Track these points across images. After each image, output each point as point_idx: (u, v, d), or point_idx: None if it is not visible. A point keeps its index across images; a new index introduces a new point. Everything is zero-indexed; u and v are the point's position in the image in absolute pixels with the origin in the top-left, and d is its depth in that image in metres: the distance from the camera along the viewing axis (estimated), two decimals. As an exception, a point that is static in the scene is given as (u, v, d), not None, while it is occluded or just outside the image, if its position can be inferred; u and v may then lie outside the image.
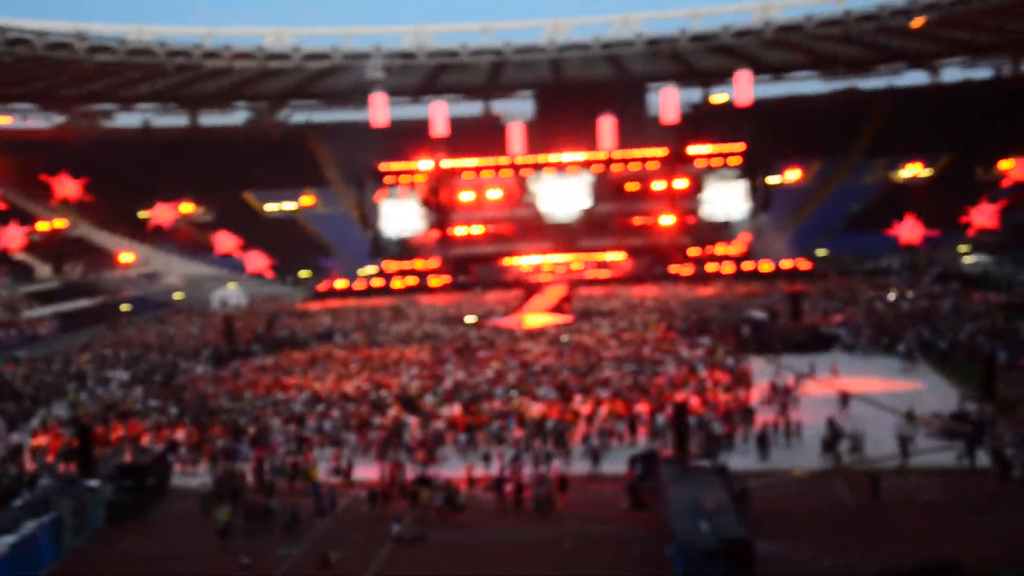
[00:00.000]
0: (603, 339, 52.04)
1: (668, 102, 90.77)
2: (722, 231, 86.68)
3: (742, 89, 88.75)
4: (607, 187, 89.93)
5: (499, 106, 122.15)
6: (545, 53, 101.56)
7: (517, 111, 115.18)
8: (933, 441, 31.40)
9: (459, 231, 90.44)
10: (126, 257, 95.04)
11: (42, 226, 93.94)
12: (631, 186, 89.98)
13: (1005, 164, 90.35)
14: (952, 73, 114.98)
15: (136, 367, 52.15)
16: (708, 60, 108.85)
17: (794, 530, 25.10)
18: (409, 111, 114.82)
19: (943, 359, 45.30)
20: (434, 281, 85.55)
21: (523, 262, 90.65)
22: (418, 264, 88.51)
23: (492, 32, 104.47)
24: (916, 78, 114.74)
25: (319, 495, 28.93)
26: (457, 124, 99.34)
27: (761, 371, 43.47)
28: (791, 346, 48.91)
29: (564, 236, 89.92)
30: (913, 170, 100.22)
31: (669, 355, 46.29)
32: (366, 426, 35.60)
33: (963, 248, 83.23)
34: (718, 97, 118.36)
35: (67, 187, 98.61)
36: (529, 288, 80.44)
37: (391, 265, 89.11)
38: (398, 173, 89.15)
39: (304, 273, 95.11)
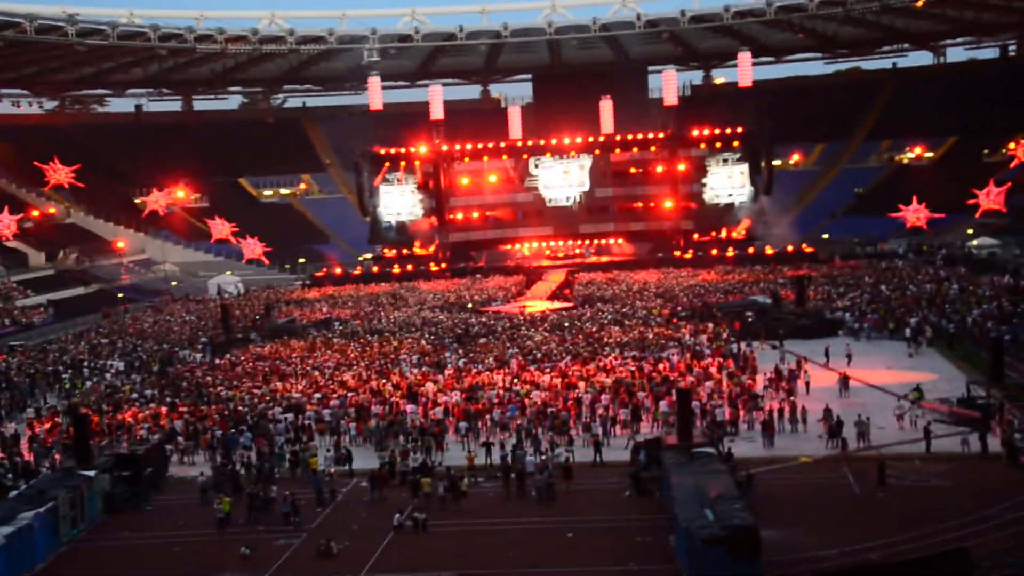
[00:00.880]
0: (605, 325, 51.91)
1: (668, 84, 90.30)
2: (724, 215, 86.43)
3: (743, 71, 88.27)
4: (607, 171, 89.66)
5: (497, 89, 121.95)
6: (543, 35, 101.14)
7: (516, 94, 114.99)
8: (941, 428, 31.38)
9: (458, 216, 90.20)
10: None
11: (35, 213, 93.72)
12: (632, 170, 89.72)
13: (1012, 145, 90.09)
14: (957, 53, 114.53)
15: (132, 356, 52.11)
16: (709, 41, 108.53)
17: (800, 517, 25.11)
18: (406, 95, 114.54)
19: (950, 344, 45.27)
20: (433, 267, 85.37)
21: (523, 247, 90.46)
22: (417, 250, 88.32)
23: (489, 14, 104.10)
24: (920, 58, 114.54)
25: (319, 485, 28.92)
26: (455, 108, 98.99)
27: (766, 356, 43.42)
28: (795, 331, 48.86)
29: (564, 221, 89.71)
30: (918, 152, 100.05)
31: (672, 341, 46.22)
32: (366, 414, 35.59)
33: (969, 231, 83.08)
34: (719, 79, 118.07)
35: (59, 173, 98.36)
36: (530, 274, 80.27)
37: (389, 251, 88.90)
38: (395, 158, 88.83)
39: (301, 260, 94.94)
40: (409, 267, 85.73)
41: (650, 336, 47.59)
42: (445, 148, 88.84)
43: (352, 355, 47.43)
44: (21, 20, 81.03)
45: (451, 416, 34.86)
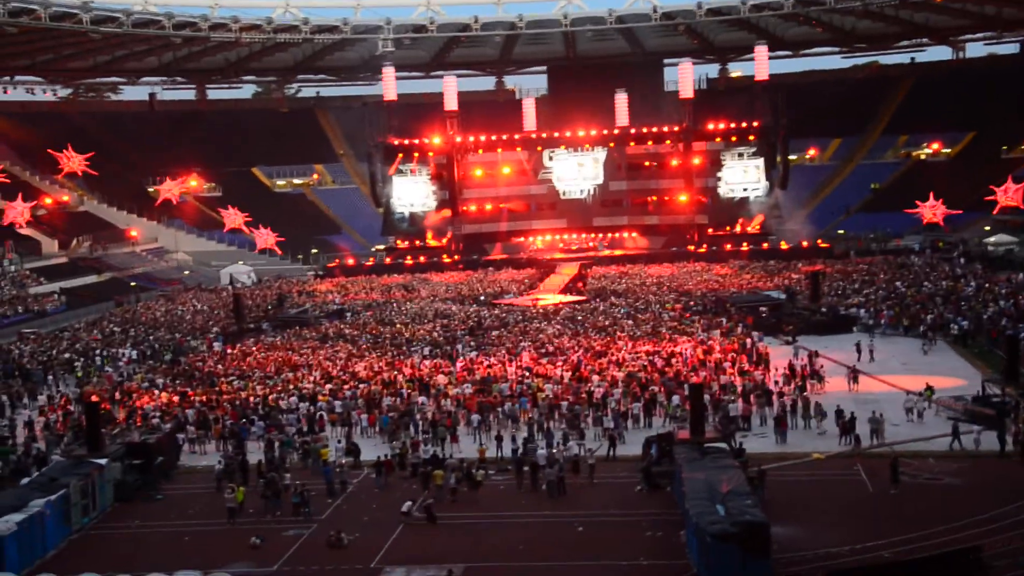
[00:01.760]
0: (618, 319, 51.90)
1: (684, 77, 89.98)
2: (739, 209, 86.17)
3: (760, 64, 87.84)
4: (622, 164, 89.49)
5: (512, 81, 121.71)
6: (559, 27, 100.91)
7: (530, 86, 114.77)
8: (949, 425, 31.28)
9: (471, 208, 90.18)
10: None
11: (48, 201, 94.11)
12: (646, 163, 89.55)
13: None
14: (976, 48, 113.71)
15: (144, 345, 52.36)
16: (725, 34, 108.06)
17: (812, 514, 25.07)
18: (420, 85, 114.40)
19: (965, 341, 45.08)
20: (446, 258, 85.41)
21: (537, 240, 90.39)
22: (430, 241, 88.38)
23: (504, 5, 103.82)
24: (939, 53, 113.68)
25: (330, 476, 29.02)
26: (469, 99, 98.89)
27: (780, 352, 43.33)
28: (810, 327, 48.76)
29: (578, 213, 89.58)
30: (935, 148, 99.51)
31: (684, 334, 46.20)
32: (377, 406, 35.69)
33: (987, 228, 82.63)
34: (735, 72, 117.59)
35: (73, 161, 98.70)
36: (543, 266, 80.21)
37: (402, 242, 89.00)
38: (409, 149, 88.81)
39: (314, 250, 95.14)
40: (422, 258, 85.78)
41: (663, 330, 47.56)
42: (459, 139, 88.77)
43: (364, 346, 47.56)
44: (36, 7, 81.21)
45: (463, 408, 34.90)
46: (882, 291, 57.80)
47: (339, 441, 32.89)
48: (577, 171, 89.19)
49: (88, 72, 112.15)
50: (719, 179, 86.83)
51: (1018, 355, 35.60)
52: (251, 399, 37.28)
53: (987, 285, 56.61)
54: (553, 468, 28.19)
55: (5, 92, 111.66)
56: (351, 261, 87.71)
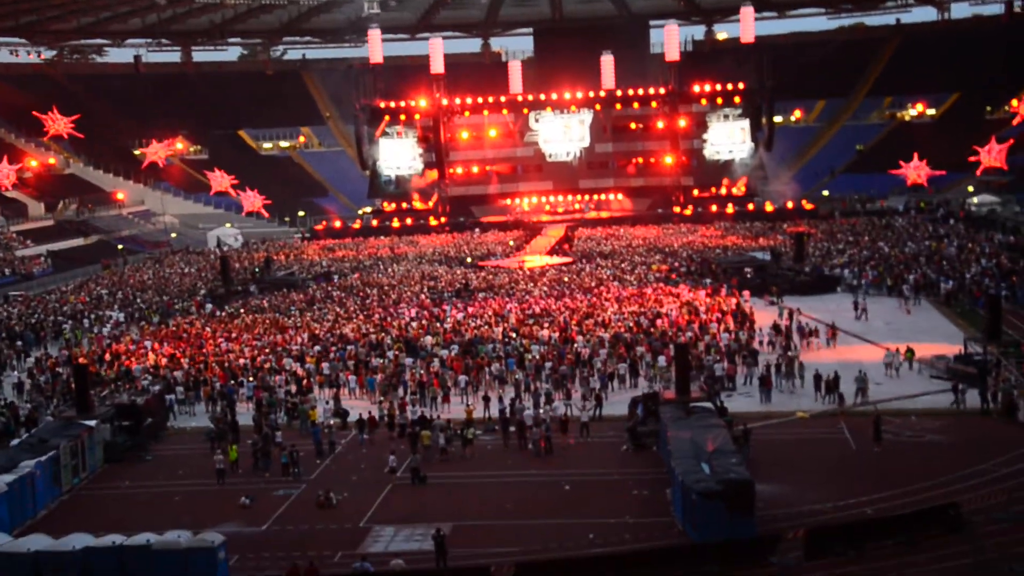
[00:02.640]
0: (604, 280, 51.89)
1: (670, 39, 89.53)
2: (724, 171, 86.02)
3: (746, 26, 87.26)
4: (608, 126, 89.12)
5: (498, 43, 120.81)
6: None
7: (516, 48, 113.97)
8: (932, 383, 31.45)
9: (458, 170, 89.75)
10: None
11: (33, 163, 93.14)
12: (632, 125, 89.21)
13: (1015, 103, 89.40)
14: (961, 9, 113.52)
15: (132, 307, 52.09)
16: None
17: (796, 472, 25.20)
18: (406, 48, 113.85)
19: (948, 300, 45.25)
20: (433, 221, 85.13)
21: (523, 202, 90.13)
22: (416, 204, 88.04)
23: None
24: (924, 14, 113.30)
25: (318, 437, 29.01)
26: (455, 61, 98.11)
27: (765, 311, 43.41)
28: (794, 287, 48.86)
29: (564, 176, 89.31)
30: (920, 109, 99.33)
31: (670, 296, 46.22)
32: (365, 367, 35.64)
33: (970, 188, 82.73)
34: (721, 34, 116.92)
35: (58, 123, 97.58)
36: (529, 228, 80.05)
37: (389, 205, 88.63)
38: (395, 111, 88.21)
39: (301, 213, 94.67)
40: (408, 221, 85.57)
41: (648, 291, 47.56)
42: (445, 102, 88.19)
43: (351, 308, 47.45)
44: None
45: (450, 370, 34.86)
46: (866, 252, 57.89)
47: (327, 403, 32.85)
48: (563, 133, 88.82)
49: (72, 34, 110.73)
50: (704, 141, 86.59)
51: (1000, 314, 35.70)
52: (240, 360, 37.15)
53: (970, 245, 56.76)
54: (540, 428, 28.23)
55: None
56: (338, 224, 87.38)
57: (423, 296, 49.89)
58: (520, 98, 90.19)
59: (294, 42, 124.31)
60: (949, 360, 33.31)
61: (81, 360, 35.78)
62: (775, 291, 47.87)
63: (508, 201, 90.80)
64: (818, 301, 46.26)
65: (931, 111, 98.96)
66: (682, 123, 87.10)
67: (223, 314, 48.42)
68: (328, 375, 35.25)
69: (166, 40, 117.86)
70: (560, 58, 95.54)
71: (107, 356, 39.64)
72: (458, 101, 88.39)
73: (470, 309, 45.59)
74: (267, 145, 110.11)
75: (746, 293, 46.94)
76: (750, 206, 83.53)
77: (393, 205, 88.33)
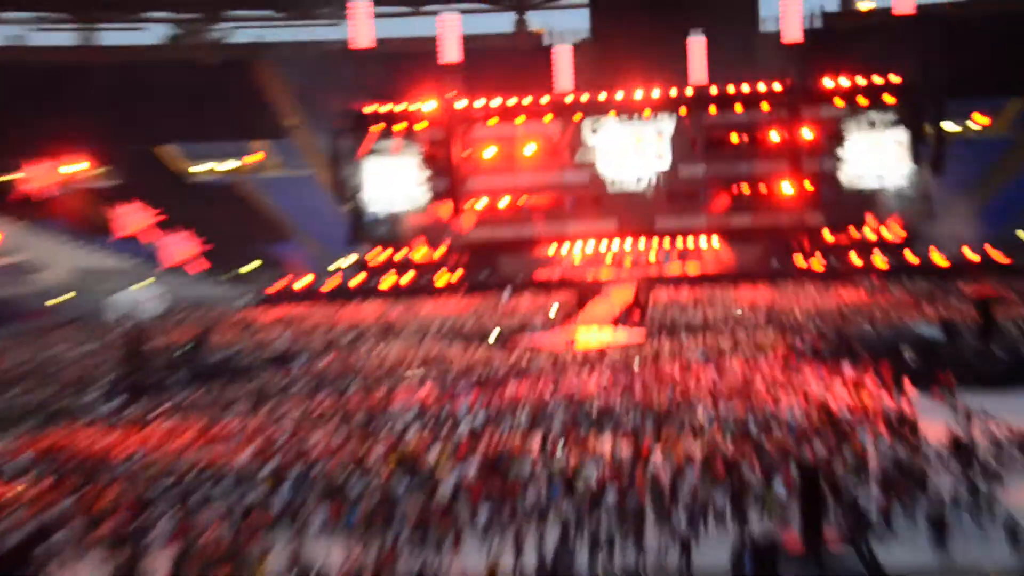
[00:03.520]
0: (693, 366, 51.60)
1: (789, 12, 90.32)
2: (871, 205, 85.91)
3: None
4: (698, 139, 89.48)
5: (539, 19, 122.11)
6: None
7: (566, 26, 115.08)
8: None
9: (479, 204, 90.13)
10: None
11: None
12: (734, 137, 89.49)
13: None
14: None
15: (-2, 408, 52.26)
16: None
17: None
18: (406, 27, 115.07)
19: None
20: (441, 279, 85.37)
21: (574, 250, 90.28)
22: (418, 254, 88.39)
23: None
24: None
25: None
26: (477, 46, 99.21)
27: (935, 415, 42.92)
28: (981, 379, 48.32)
29: (634, 212, 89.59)
30: None
31: (793, 391, 45.85)
32: (341, 496, 35.38)
33: None
34: (865, 4, 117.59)
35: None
36: (582, 289, 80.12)
37: (378, 255, 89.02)
38: (389, 118, 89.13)
39: (250, 266, 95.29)
40: (407, 278, 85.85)
41: (758, 383, 47.23)
42: (462, 104, 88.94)
43: (323, 407, 47.36)
44: None
45: (466, 498, 34.55)
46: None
47: (285, 550, 32.53)
48: (632, 149, 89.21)
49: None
50: (840, 160, 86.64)
51: None
52: (156, 484, 37.00)
53: None
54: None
55: None
56: (305, 281, 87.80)
57: (427, 389, 49.71)
58: (570, 98, 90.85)
59: (244, 18, 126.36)
60: None
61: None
62: (952, 384, 47.32)
63: (552, 249, 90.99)
64: (1020, 401, 45.56)
65: None
66: (807, 134, 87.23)
67: (133, 416, 48.42)
68: (287, 507, 35.01)
69: (59, 14, 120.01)
70: (628, 40, 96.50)
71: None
72: (481, 103, 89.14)
73: (494, 409, 45.34)
74: (203, 167, 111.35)
75: (907, 386, 46.44)
76: (910, 256, 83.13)
77: (385, 255, 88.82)
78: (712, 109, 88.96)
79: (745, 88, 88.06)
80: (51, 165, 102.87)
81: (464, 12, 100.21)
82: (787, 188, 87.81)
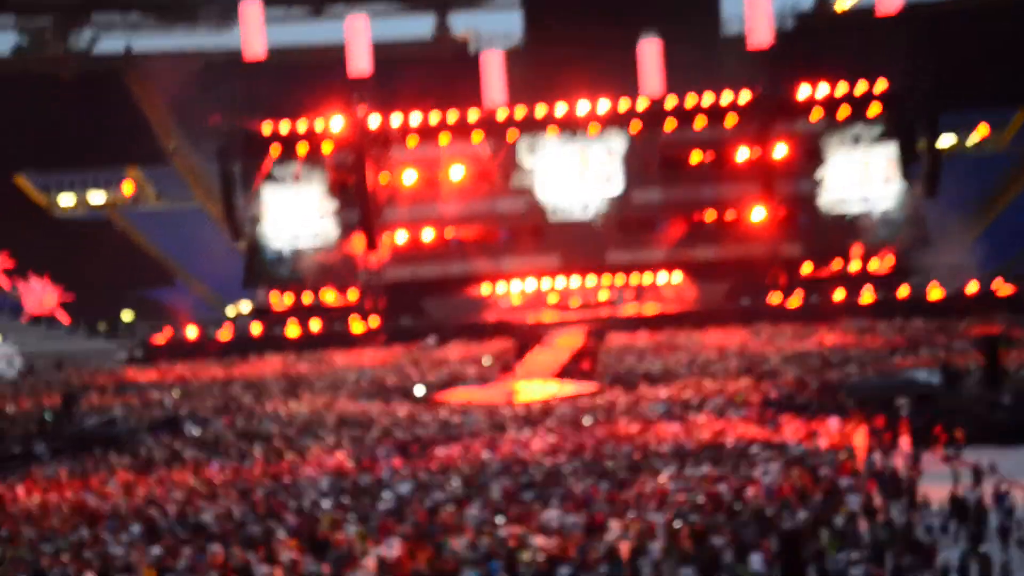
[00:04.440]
0: (654, 422, 51.90)
1: (756, 12, 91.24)
2: (855, 233, 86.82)
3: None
4: (654, 159, 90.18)
5: (464, 22, 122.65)
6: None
7: (496, 30, 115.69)
8: None
9: (398, 238, 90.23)
10: None
11: None
12: (695, 157, 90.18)
13: None
14: None
15: None
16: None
17: None
18: (307, 33, 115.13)
19: None
20: (356, 326, 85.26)
21: (511, 290, 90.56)
22: (328, 297, 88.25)
23: None
24: None
25: None
26: (393, 55, 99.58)
27: (936, 475, 43.38)
28: (988, 433, 48.79)
29: (581, 245, 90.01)
30: None
31: (768, 448, 46.21)
32: (241, 581, 35.32)
33: None
34: (843, 2, 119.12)
35: None
36: (522, 335, 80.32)
37: (280, 299, 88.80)
38: (289, 139, 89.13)
39: (126, 315, 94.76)
40: (315, 325, 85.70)
41: (729, 440, 47.59)
42: (376, 123, 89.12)
43: (217, 480, 47.20)
44: None
45: (389, 583, 34.60)
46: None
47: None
48: (577, 172, 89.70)
49: None
50: (819, 182, 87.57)
51: None
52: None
53: None
54: None
55: None
56: (193, 333, 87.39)
57: (341, 454, 49.69)
58: (503, 114, 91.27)
59: (111, 23, 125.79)
60: None
61: None
62: (954, 439, 47.82)
63: (485, 289, 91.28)
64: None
65: None
66: (780, 152, 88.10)
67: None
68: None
69: None
70: (569, 45, 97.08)
71: None
72: (398, 121, 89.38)
73: (423, 475, 45.39)
74: (66, 200, 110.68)
75: (902, 441, 46.89)
76: (902, 291, 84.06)
77: (288, 299, 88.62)
78: (669, 124, 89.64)
79: (707, 100, 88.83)
80: None
81: (375, 14, 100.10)
82: (758, 214, 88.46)
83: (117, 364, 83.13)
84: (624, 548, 35.50)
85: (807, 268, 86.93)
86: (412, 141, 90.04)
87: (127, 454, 53.72)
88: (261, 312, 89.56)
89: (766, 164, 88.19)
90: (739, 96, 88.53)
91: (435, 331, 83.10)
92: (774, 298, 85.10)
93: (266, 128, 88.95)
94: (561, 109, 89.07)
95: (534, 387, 64.38)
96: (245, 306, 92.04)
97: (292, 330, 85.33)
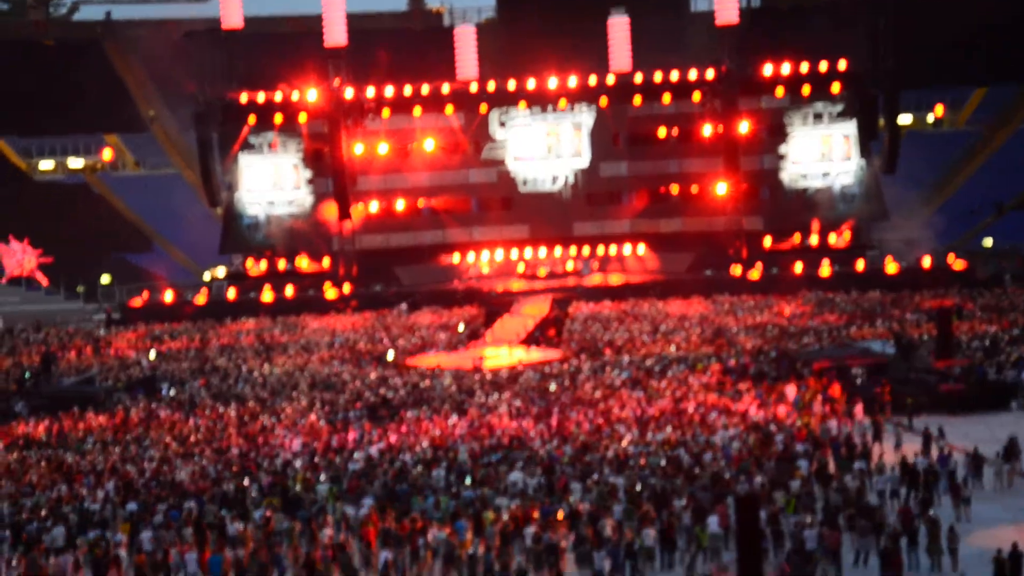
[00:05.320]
0: (617, 388, 52.31)
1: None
2: (816, 208, 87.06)
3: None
4: (621, 133, 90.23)
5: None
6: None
7: (468, 4, 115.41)
8: None
9: (371, 207, 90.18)
10: None
11: None
12: (661, 132, 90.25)
13: None
14: None
15: None
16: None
17: None
18: (283, 4, 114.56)
19: None
20: (329, 292, 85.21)
21: (480, 259, 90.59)
22: (303, 263, 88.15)
23: None
24: None
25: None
26: (367, 26, 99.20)
27: (888, 440, 43.68)
28: (937, 400, 49.21)
29: (549, 216, 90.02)
30: None
31: (727, 414, 46.51)
32: (218, 534, 35.34)
33: None
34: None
35: None
36: (491, 303, 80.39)
37: (255, 264, 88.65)
38: (266, 109, 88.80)
39: (105, 278, 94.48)
40: (289, 291, 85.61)
41: (691, 407, 47.97)
42: (350, 94, 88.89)
43: (192, 438, 47.27)
44: None
45: (359, 538, 34.70)
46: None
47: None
48: (546, 145, 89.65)
49: None
50: (782, 157, 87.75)
51: None
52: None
53: None
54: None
55: None
56: (170, 296, 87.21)
57: (313, 416, 49.85)
58: (475, 87, 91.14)
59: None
60: None
61: None
62: (906, 406, 48.18)
63: (456, 258, 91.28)
64: (980, 424, 46.41)
65: None
66: (744, 127, 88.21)
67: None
68: (150, 552, 34.88)
69: None
70: (540, 21, 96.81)
71: None
72: (372, 92, 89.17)
73: (393, 437, 45.56)
74: (46, 164, 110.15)
75: (857, 409, 47.20)
76: (860, 265, 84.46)
77: (263, 265, 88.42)
78: (636, 100, 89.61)
79: (674, 76, 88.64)
80: None
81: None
82: (721, 189, 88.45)
83: (95, 326, 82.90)
84: (584, 510, 35.74)
85: (768, 241, 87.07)
86: (385, 113, 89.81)
87: (104, 412, 53.72)
88: (237, 277, 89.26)
89: (730, 139, 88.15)
90: (704, 73, 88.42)
91: (406, 299, 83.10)
92: (735, 270, 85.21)
93: (243, 98, 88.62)
94: (531, 83, 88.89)
95: (501, 353, 64.58)
96: (221, 271, 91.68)
97: (267, 295, 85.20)
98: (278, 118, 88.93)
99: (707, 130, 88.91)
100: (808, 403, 48.34)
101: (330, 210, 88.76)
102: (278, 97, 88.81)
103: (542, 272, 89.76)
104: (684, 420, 46.02)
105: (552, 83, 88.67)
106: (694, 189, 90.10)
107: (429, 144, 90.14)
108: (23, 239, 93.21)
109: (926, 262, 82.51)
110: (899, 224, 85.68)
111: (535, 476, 39.33)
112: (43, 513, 38.38)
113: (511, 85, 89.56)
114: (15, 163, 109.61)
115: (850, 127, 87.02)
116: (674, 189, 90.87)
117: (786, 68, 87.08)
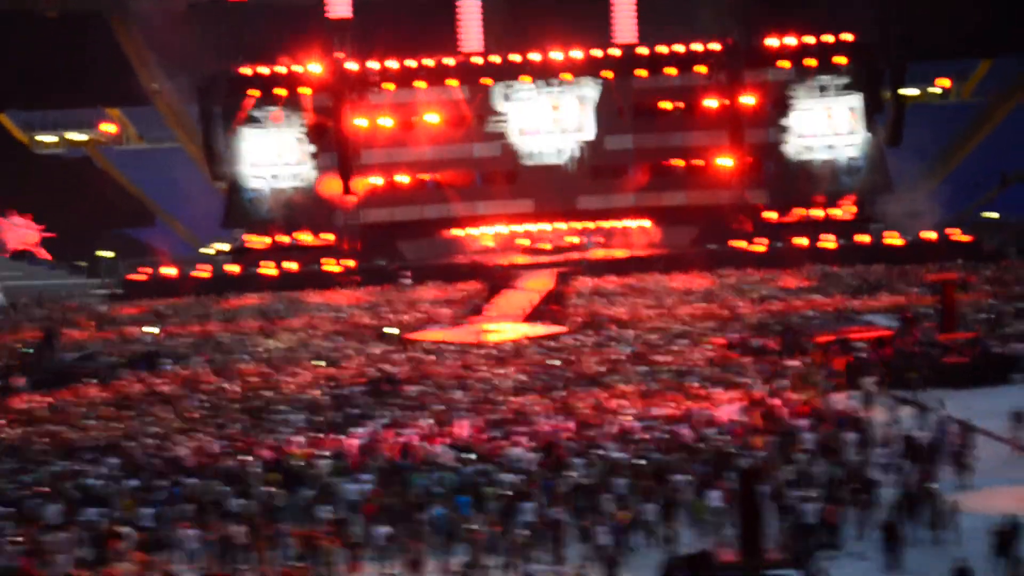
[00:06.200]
0: (619, 363, 52.34)
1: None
2: (820, 181, 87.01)
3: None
4: (626, 106, 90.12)
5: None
6: None
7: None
8: None
9: (373, 180, 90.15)
10: None
11: None
12: (666, 104, 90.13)
13: None
14: None
15: None
16: None
17: None
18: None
19: None
20: (332, 266, 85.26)
21: (483, 234, 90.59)
22: (305, 237, 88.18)
23: None
24: None
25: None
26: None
27: (890, 414, 43.71)
28: (941, 374, 49.25)
29: (553, 190, 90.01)
30: None
31: (730, 389, 46.57)
32: (217, 512, 35.43)
33: None
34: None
35: None
36: (494, 277, 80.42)
37: (258, 239, 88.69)
38: (269, 81, 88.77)
39: (108, 253, 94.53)
40: (292, 266, 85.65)
41: (694, 383, 48.02)
42: (353, 67, 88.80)
43: (193, 414, 47.38)
44: None
45: (359, 515, 34.77)
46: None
47: None
48: (550, 119, 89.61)
49: None
50: (786, 130, 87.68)
51: None
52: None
53: None
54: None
55: None
56: (172, 271, 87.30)
57: (315, 392, 49.93)
58: (479, 60, 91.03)
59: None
60: None
61: None
62: (909, 380, 48.23)
63: (459, 232, 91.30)
64: (983, 397, 46.48)
65: None
66: (749, 100, 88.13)
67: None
68: (152, 529, 34.97)
69: None
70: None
71: None
72: (375, 65, 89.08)
73: (396, 412, 45.63)
74: (48, 138, 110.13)
75: (859, 383, 47.24)
76: (864, 238, 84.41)
77: (266, 240, 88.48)
78: (641, 72, 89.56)
79: (679, 48, 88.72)
80: None
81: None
82: (726, 162, 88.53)
83: (97, 301, 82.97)
84: (586, 485, 35.78)
85: (771, 214, 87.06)
86: (389, 86, 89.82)
87: (105, 388, 53.82)
88: (239, 252, 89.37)
89: (735, 112, 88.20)
90: (709, 45, 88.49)
91: (409, 273, 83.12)
92: (739, 243, 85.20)
93: (246, 71, 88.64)
94: (535, 56, 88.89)
95: (504, 328, 64.61)
96: (223, 246, 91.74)
97: (269, 269, 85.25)
98: (281, 91, 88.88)
99: (712, 103, 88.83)
100: (811, 377, 48.45)
101: (333, 184, 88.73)
102: (281, 70, 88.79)
103: (546, 246, 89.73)
104: (687, 394, 46.16)
105: (557, 56, 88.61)
106: (698, 162, 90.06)
107: (433, 117, 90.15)
108: (25, 214, 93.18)
109: (931, 235, 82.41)
110: (903, 197, 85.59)
111: (537, 451, 39.42)
112: (43, 489, 38.52)
113: (515, 58, 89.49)
114: (16, 136, 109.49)
115: (855, 100, 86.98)
116: (678, 162, 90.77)
117: (791, 41, 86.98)
